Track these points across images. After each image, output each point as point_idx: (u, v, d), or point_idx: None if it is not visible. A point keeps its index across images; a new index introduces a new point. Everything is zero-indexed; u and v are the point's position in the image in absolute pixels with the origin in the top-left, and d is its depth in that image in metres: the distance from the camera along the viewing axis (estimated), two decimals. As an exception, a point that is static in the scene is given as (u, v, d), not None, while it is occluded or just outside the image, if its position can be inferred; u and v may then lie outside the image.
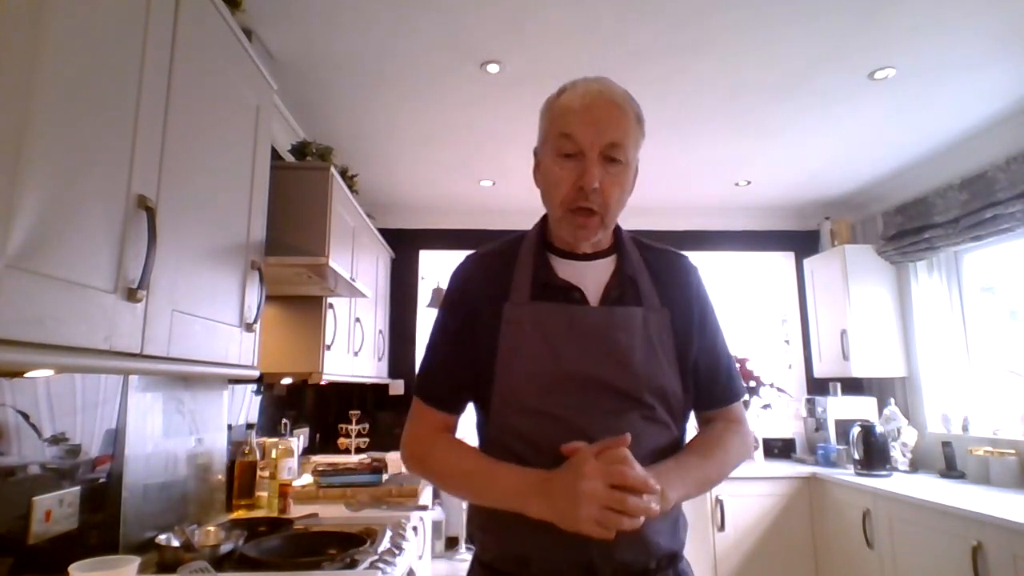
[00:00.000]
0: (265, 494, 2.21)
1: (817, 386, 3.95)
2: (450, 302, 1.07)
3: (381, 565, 1.58)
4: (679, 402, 1.00)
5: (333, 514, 2.13)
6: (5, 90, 0.73)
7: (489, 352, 0.98)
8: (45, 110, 0.79)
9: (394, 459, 2.88)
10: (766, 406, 3.85)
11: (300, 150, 2.50)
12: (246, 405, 2.47)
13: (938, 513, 2.47)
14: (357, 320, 3.01)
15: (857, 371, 3.52)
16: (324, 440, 3.62)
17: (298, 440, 2.86)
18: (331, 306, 2.54)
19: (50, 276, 0.80)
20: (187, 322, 1.19)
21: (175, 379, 1.83)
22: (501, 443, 0.98)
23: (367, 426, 3.57)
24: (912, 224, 3.38)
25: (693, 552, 2.76)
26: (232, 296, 1.43)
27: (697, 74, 2.39)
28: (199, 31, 1.24)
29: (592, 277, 1.01)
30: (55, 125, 0.81)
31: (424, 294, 4.27)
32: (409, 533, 1.97)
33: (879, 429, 3.22)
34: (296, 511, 2.13)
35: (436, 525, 3.78)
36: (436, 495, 3.76)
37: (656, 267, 1.05)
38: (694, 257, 1.14)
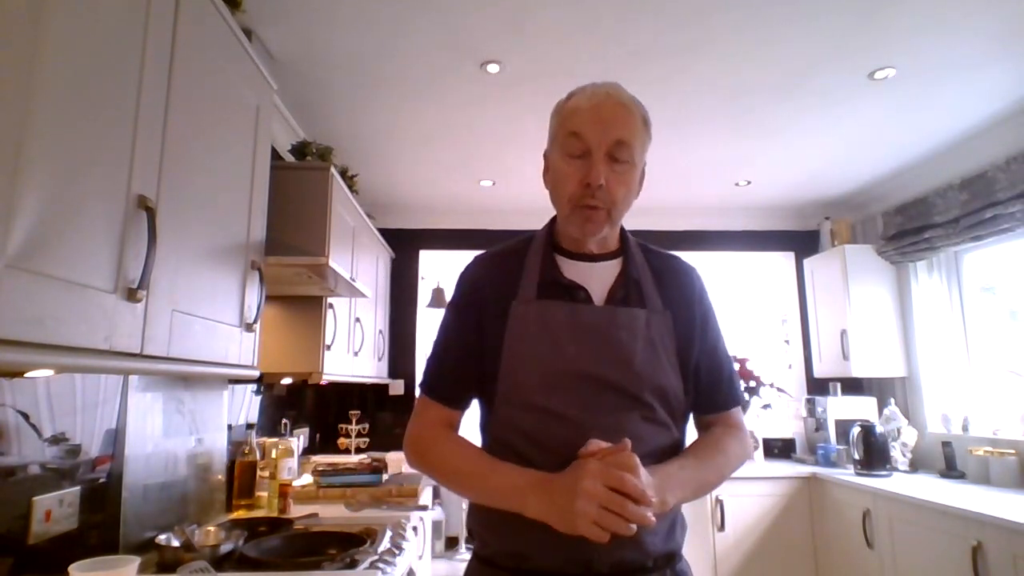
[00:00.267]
0: (265, 494, 2.21)
1: (817, 386, 3.95)
2: (459, 299, 1.08)
3: (381, 565, 1.58)
4: (679, 403, 1.01)
5: (333, 514, 2.13)
6: (5, 90, 0.73)
7: (495, 348, 0.99)
8: (45, 110, 0.79)
9: (394, 459, 2.88)
10: (766, 406, 3.85)
11: (300, 150, 2.50)
12: (246, 405, 2.47)
13: (938, 513, 2.47)
14: (357, 320, 3.02)
15: (857, 371, 3.52)
16: (324, 440, 3.62)
17: (298, 440, 2.86)
18: (331, 306, 2.54)
19: (50, 276, 0.80)
20: (187, 322, 1.19)
21: (175, 379, 1.83)
22: (504, 439, 0.99)
23: (367, 426, 3.57)
24: (912, 224, 3.38)
25: (693, 552, 2.76)
26: (232, 296, 1.43)
27: (697, 74, 2.39)
28: (199, 31, 1.24)
29: (597, 278, 1.03)
30: (55, 125, 0.81)
31: (424, 294, 4.27)
32: (409, 533, 1.97)
33: (879, 429, 3.22)
34: (296, 511, 2.13)
35: (436, 525, 3.78)
36: (436, 495, 3.76)
37: (660, 271, 1.07)
38: (694, 257, 1.14)
